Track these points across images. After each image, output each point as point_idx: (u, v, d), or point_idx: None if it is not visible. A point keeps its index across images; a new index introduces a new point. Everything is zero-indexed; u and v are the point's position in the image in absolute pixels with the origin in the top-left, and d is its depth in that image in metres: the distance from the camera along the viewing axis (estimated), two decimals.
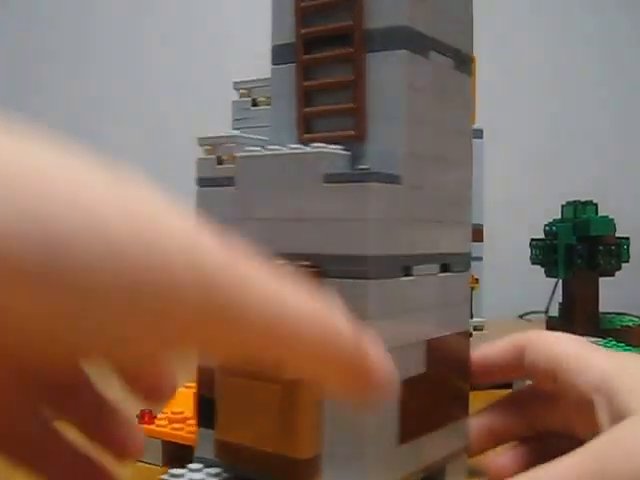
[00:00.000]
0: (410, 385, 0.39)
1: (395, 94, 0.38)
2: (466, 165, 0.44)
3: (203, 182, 0.42)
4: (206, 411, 0.40)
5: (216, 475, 0.38)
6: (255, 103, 0.45)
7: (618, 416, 0.32)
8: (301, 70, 0.41)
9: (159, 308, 0.18)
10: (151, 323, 0.18)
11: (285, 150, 0.39)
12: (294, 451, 0.37)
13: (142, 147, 1.50)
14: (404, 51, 0.38)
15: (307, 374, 0.26)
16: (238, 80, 0.46)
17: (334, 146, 0.38)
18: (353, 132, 0.39)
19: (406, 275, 0.39)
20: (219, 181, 0.41)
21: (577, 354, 0.39)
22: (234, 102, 0.45)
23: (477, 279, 0.59)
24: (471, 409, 0.45)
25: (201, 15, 1.58)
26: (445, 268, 0.42)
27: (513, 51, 1.57)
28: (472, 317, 0.72)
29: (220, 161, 0.41)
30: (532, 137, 1.58)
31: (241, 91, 0.45)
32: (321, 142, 0.39)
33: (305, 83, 0.40)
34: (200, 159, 0.42)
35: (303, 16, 0.40)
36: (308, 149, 0.38)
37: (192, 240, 0.20)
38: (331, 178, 0.37)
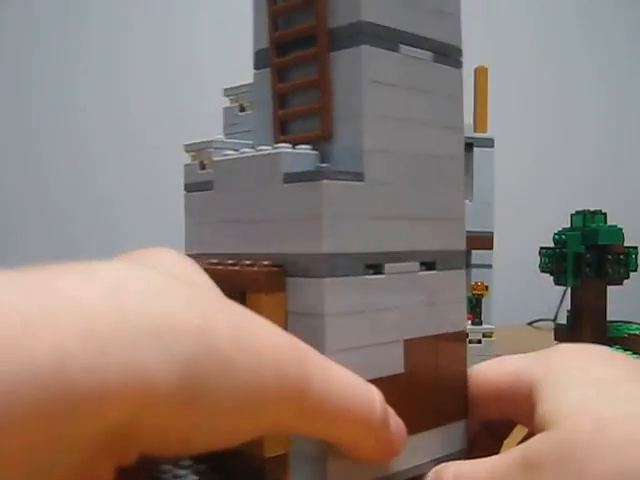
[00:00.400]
0: (384, 385, 0.38)
1: (357, 90, 0.38)
2: (456, 160, 0.43)
3: (188, 187, 0.43)
4: None
5: (188, 467, 0.39)
6: (242, 108, 0.46)
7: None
8: (275, 73, 0.41)
9: (267, 410, 0.22)
10: (257, 421, 0.22)
11: (252, 152, 0.39)
12: (261, 449, 0.37)
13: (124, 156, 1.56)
14: (366, 46, 0.38)
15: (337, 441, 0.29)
16: (228, 87, 0.47)
17: (303, 146, 0.39)
18: (319, 131, 0.39)
19: (376, 273, 0.38)
20: (201, 185, 0.42)
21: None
22: (225, 108, 0.47)
23: (487, 286, 0.58)
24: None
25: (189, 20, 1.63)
26: (430, 266, 0.41)
27: (522, 60, 1.55)
28: (481, 324, 0.70)
29: (203, 166, 0.42)
30: (542, 146, 1.56)
31: (230, 97, 0.46)
32: (293, 143, 0.39)
33: (279, 85, 0.41)
34: (186, 165, 0.43)
35: (275, 19, 0.41)
36: (269, 149, 0.38)
37: (295, 348, 0.25)
38: (290, 178, 0.37)
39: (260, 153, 0.39)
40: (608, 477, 0.25)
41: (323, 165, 0.37)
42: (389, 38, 0.39)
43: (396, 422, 0.29)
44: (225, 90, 0.47)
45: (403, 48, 0.39)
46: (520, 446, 0.31)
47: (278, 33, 0.41)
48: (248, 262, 0.38)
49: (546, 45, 1.60)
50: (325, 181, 0.36)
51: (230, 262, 0.39)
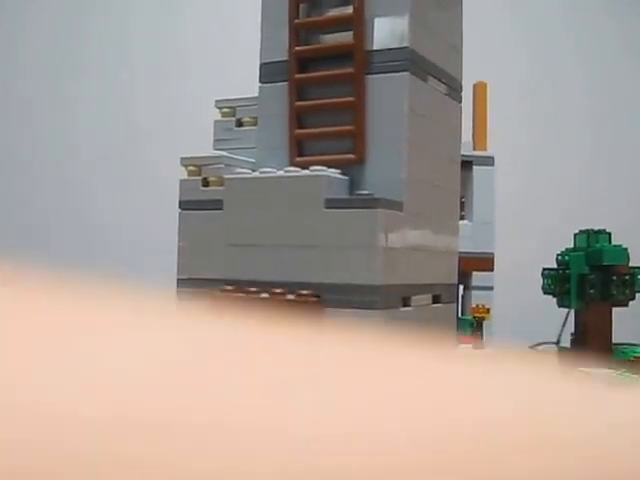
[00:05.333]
0: None
1: (397, 118, 0.37)
2: (454, 193, 0.43)
3: (187, 205, 0.39)
4: None
5: None
6: (240, 123, 0.42)
7: None
8: (294, 89, 0.39)
9: None
10: None
11: (281, 173, 0.36)
12: None
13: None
14: (407, 73, 0.37)
15: None
16: (220, 99, 0.43)
17: (332, 170, 0.37)
18: (353, 156, 0.37)
19: (404, 305, 0.37)
20: (205, 204, 0.38)
21: None
22: (216, 122, 0.43)
23: (488, 309, 0.58)
24: None
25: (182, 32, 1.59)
26: (436, 299, 0.41)
27: (519, 76, 1.57)
28: (483, 347, 0.70)
29: (206, 183, 0.38)
30: (542, 163, 1.57)
31: (224, 110, 0.43)
32: (316, 165, 0.37)
33: (298, 103, 0.39)
34: (184, 180, 0.39)
35: (297, 33, 0.39)
36: (307, 172, 0.36)
37: None
38: (333, 203, 0.35)
39: (293, 174, 0.36)
40: None
41: (365, 192, 0.36)
42: (423, 68, 0.38)
43: None
44: (217, 102, 0.43)
45: (430, 79, 0.39)
46: None
47: (301, 48, 0.38)
48: (279, 291, 0.35)
49: (542, 61, 1.59)
50: (381, 209, 0.34)
51: (253, 290, 0.36)
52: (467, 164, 0.67)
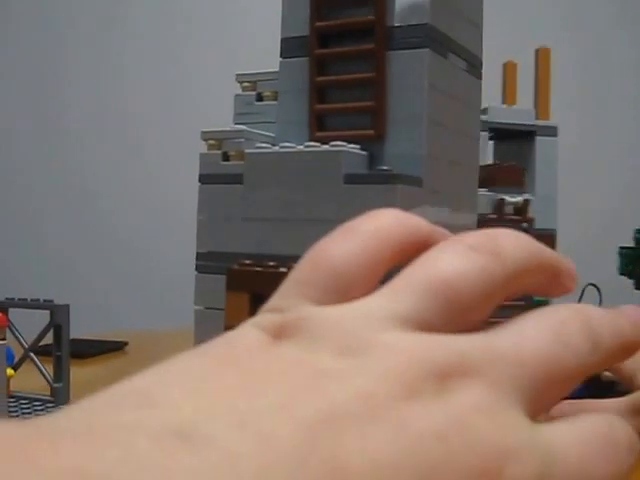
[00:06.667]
0: None
1: (417, 94, 0.37)
2: (474, 169, 0.43)
3: (207, 179, 0.39)
4: None
5: None
6: (260, 97, 0.42)
7: None
8: (315, 64, 0.39)
9: None
10: None
11: (300, 148, 0.37)
12: None
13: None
14: (427, 50, 0.37)
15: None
16: (241, 72, 0.43)
17: (352, 145, 0.37)
18: (372, 131, 0.37)
19: None
20: (225, 178, 0.39)
21: None
22: (237, 95, 0.43)
23: None
24: None
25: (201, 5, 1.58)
26: None
27: (589, 43, 1.47)
28: None
29: (226, 157, 0.39)
30: (608, 135, 1.48)
31: (244, 84, 0.43)
32: (336, 140, 0.37)
33: (318, 78, 0.39)
34: (203, 154, 0.39)
35: (318, 8, 0.39)
36: (327, 147, 0.36)
37: None
38: (352, 179, 0.35)
39: (314, 150, 0.36)
40: None
41: (385, 168, 0.36)
42: (443, 44, 0.38)
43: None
44: (237, 75, 0.43)
45: (450, 56, 0.39)
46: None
47: (322, 23, 0.38)
48: None
49: (620, 20, 1.49)
50: (400, 185, 0.35)
51: (272, 264, 0.36)
52: (529, 134, 0.65)
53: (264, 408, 0.12)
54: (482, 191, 0.56)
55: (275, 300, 0.16)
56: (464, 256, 0.15)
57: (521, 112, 0.68)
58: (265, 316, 0.15)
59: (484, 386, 0.14)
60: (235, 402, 0.13)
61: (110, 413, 0.12)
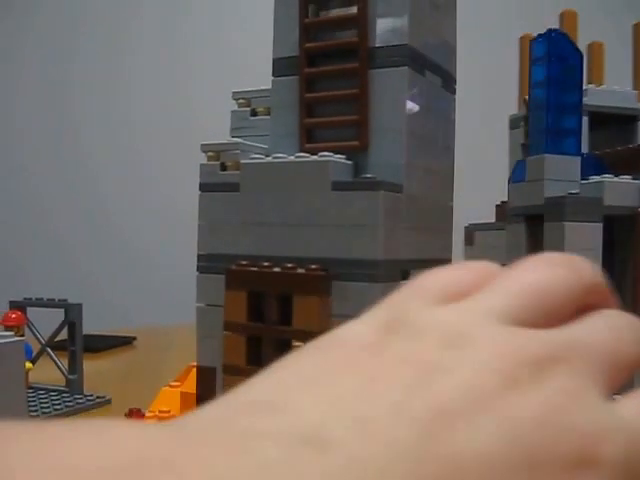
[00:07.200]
0: None
1: (397, 108, 0.41)
2: (449, 178, 0.47)
3: (206, 187, 0.43)
4: None
5: None
6: (254, 113, 0.46)
7: None
8: (304, 82, 0.42)
9: None
10: None
11: (292, 158, 0.40)
12: None
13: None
14: (406, 68, 0.41)
15: None
16: (237, 90, 0.47)
17: (339, 155, 0.40)
18: (357, 143, 0.41)
19: (403, 279, 0.41)
20: (223, 186, 0.42)
21: None
22: (233, 111, 0.47)
23: None
24: None
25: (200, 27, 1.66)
26: None
27: None
28: None
29: (224, 167, 0.42)
30: None
31: (240, 101, 0.47)
32: (324, 151, 0.41)
33: (307, 95, 0.42)
34: (203, 165, 0.43)
35: (307, 31, 0.42)
36: (315, 158, 0.40)
37: None
38: (339, 186, 0.39)
39: (303, 160, 0.40)
40: None
41: (369, 176, 0.40)
42: (420, 63, 0.42)
43: None
44: (234, 93, 0.47)
45: (427, 73, 0.43)
46: None
47: (311, 44, 0.42)
48: (290, 265, 0.39)
49: None
50: (382, 191, 0.38)
51: (266, 264, 0.40)
52: (629, 118, 0.58)
53: (380, 409, 0.13)
54: (626, 178, 0.50)
55: (385, 300, 0.18)
56: (551, 267, 0.18)
57: (622, 94, 0.61)
58: (373, 312, 0.17)
59: (570, 372, 0.15)
60: (353, 405, 0.13)
61: (238, 419, 0.13)
